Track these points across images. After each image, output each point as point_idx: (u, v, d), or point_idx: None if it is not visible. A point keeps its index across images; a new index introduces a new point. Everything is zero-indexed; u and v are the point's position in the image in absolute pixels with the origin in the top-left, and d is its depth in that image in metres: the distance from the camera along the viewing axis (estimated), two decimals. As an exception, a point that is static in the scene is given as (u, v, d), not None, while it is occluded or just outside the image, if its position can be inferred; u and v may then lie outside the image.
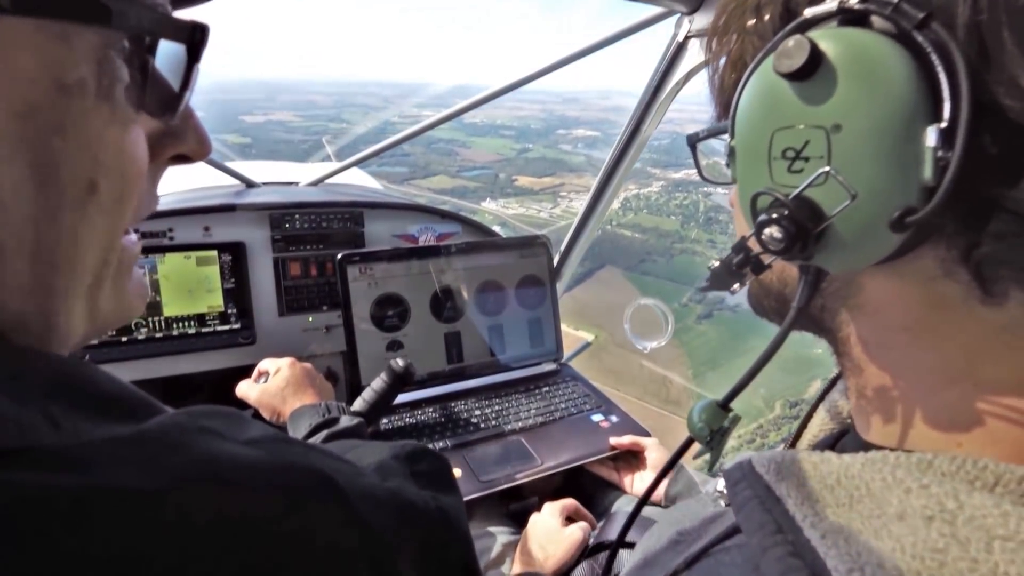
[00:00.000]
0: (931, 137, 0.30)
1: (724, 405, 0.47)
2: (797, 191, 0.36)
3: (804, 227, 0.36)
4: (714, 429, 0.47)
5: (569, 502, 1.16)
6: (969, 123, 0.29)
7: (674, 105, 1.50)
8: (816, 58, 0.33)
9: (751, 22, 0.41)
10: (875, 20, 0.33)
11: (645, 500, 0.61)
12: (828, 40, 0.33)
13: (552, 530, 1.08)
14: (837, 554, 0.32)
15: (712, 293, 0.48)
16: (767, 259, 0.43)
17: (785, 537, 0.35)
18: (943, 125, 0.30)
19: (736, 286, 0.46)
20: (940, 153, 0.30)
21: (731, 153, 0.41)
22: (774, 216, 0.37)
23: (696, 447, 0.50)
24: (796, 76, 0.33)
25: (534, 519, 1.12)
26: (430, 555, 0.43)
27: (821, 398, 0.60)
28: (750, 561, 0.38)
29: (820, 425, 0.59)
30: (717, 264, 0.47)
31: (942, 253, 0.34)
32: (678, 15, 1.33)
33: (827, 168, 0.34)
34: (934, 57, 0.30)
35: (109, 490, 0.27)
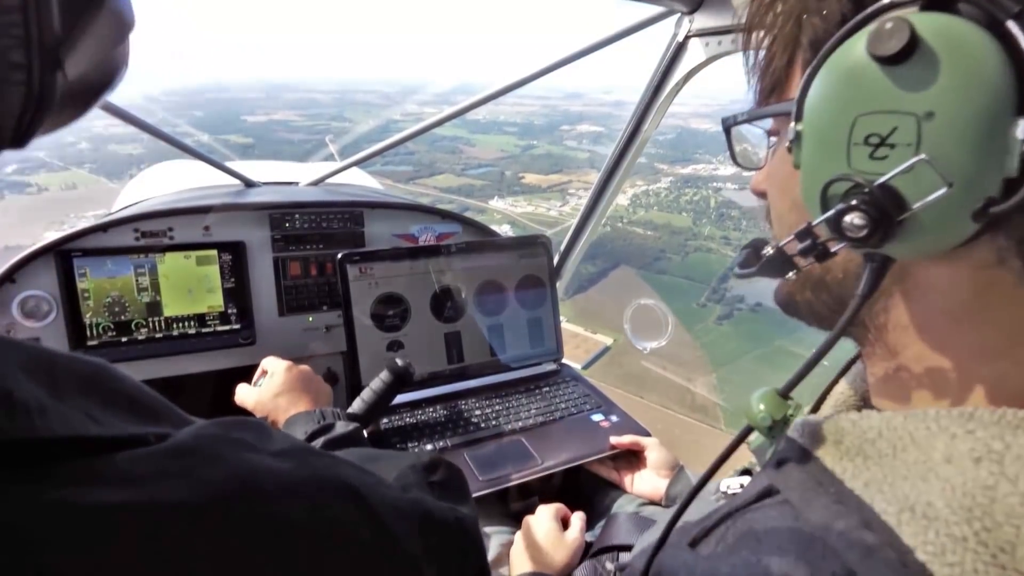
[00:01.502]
0: (1021, 130, 0.30)
1: (785, 394, 0.46)
2: (886, 178, 0.35)
3: (888, 214, 0.35)
4: (776, 419, 0.45)
5: (561, 507, 1.16)
6: None
7: (678, 99, 1.50)
8: (914, 42, 0.32)
9: (813, 1, 0.40)
10: (962, 7, 0.32)
11: (699, 486, 0.53)
12: (925, 24, 0.32)
13: (553, 534, 1.07)
14: (883, 498, 0.34)
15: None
16: (833, 246, 0.41)
17: (826, 490, 0.37)
18: None
19: (792, 274, 0.45)
20: None
21: (796, 138, 0.40)
22: (855, 203, 0.36)
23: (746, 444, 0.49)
24: (891, 60, 0.33)
25: (528, 521, 1.12)
26: (449, 564, 0.45)
27: (836, 380, 0.60)
28: (789, 515, 0.39)
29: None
30: (770, 251, 0.45)
31: (1000, 242, 0.35)
32: (678, 15, 1.32)
33: (923, 156, 0.33)
34: None
35: (153, 505, 0.28)
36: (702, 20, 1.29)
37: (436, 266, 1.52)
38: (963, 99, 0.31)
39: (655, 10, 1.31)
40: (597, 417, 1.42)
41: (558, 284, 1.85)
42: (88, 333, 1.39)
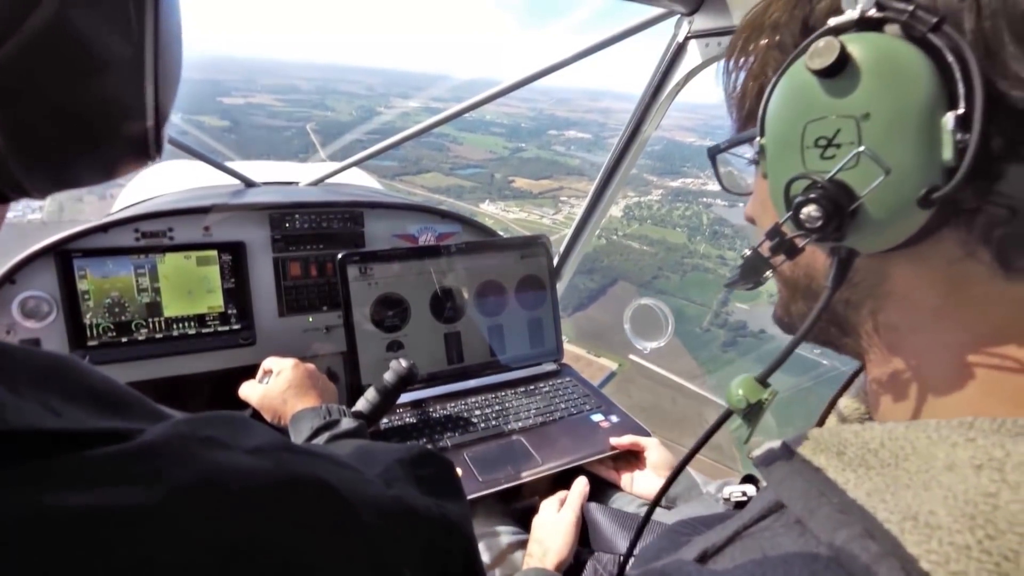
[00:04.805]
0: (950, 122, 0.34)
1: (762, 380, 0.49)
2: (833, 172, 0.39)
3: (840, 205, 0.39)
4: (752, 402, 0.48)
5: (560, 493, 1.18)
6: (984, 109, 0.33)
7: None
8: (844, 57, 0.37)
9: (773, 38, 0.45)
10: (888, 27, 0.36)
11: (676, 473, 0.62)
12: (854, 42, 0.37)
13: (546, 523, 1.09)
14: (886, 507, 0.34)
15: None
16: (801, 242, 0.44)
17: (829, 499, 0.37)
18: (960, 112, 0.34)
19: (769, 273, 0.49)
20: (959, 136, 0.34)
21: (761, 151, 0.44)
22: (811, 196, 0.39)
23: (731, 427, 0.51)
24: (826, 73, 0.37)
25: (534, 521, 1.13)
26: (432, 563, 0.44)
27: (840, 393, 0.60)
28: (794, 528, 0.40)
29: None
30: (748, 253, 0.48)
31: (963, 235, 0.37)
32: (678, 16, 1.33)
33: (861, 148, 0.37)
34: (948, 55, 0.34)
35: (115, 509, 0.27)
36: (702, 21, 1.30)
37: (436, 266, 1.52)
38: (893, 99, 0.36)
39: (655, 11, 1.32)
40: (597, 417, 1.42)
41: (558, 284, 1.86)
42: (88, 333, 1.38)
